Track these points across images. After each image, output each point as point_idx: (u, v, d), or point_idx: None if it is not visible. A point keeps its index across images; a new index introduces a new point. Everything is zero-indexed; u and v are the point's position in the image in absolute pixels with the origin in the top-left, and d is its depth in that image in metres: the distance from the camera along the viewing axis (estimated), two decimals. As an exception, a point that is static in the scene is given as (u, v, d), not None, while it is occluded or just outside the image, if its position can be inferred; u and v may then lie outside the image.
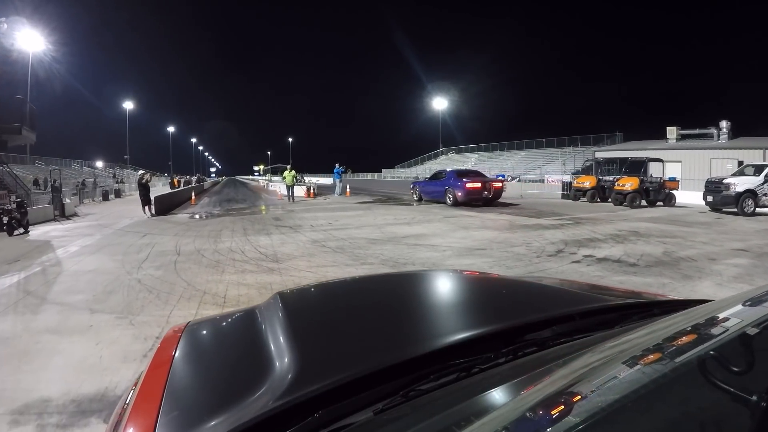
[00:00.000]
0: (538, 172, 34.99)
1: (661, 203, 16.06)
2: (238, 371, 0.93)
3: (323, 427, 0.66)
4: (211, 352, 1.16)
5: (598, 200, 17.57)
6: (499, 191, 15.71)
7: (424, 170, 45.72)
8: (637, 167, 16.74)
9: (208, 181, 65.61)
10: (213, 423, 0.70)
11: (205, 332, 1.26)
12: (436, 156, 56.06)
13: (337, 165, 23.56)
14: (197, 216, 14.20)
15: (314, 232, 9.52)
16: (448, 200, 15.32)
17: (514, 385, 0.68)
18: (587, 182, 18.30)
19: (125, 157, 61.58)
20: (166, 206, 15.91)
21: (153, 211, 13.86)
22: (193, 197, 20.96)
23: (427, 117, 61.16)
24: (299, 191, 22.59)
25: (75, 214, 15.64)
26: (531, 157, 41.66)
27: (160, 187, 36.03)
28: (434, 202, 16.38)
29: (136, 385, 0.93)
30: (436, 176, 17.78)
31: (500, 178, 33.12)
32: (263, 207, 17.18)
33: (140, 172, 15.77)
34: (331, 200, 19.58)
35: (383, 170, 60.46)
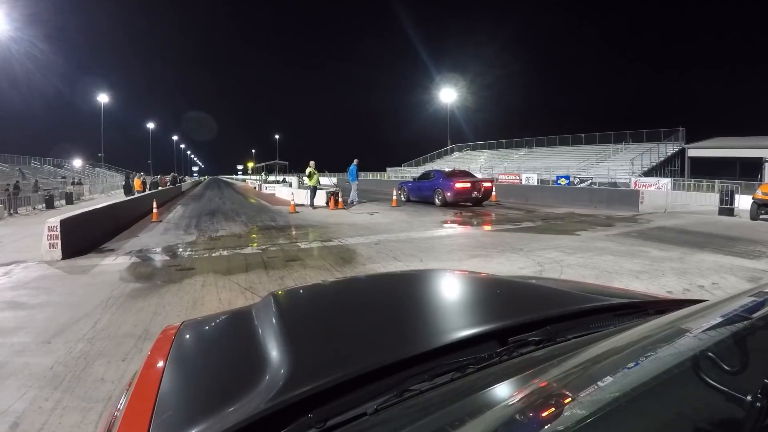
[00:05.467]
0: (592, 172, 28.44)
1: None
2: (232, 371, 0.91)
3: (317, 427, 0.65)
4: (205, 352, 1.13)
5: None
6: (488, 191, 15.30)
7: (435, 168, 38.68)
8: None
9: (189, 181, 57.51)
10: (207, 423, 0.68)
11: (198, 332, 1.23)
12: (446, 153, 49.22)
13: (355, 162, 16.48)
14: (142, 269, 6.54)
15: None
16: (436, 201, 14.98)
17: (508, 385, 0.67)
18: (788, 194, 11.42)
19: (99, 155, 56.11)
20: (90, 237, 8.25)
21: None
22: (155, 209, 13.11)
23: (432, 111, 53.82)
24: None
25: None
26: (573, 154, 35.03)
27: (107, 196, 27.68)
28: (422, 202, 15.67)
29: (130, 385, 0.93)
30: (425, 176, 16.72)
31: (563, 179, 26.65)
32: (277, 234, 9.57)
33: None
34: (380, 215, 12.03)
35: (388, 169, 53.18)
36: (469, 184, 14.69)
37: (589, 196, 15.56)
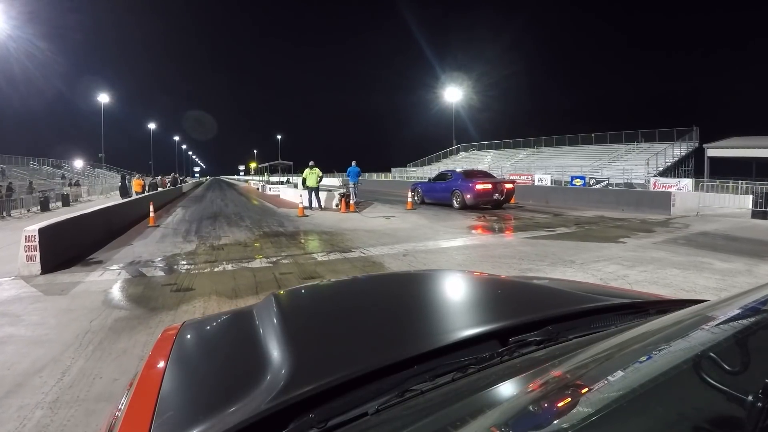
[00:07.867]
0: (606, 173, 27.43)
1: None
2: (233, 372, 0.90)
3: (318, 427, 0.64)
4: (206, 352, 1.12)
5: None
6: (510, 193, 14.36)
7: (442, 169, 37.71)
8: None
9: (190, 182, 56.57)
10: (208, 423, 0.67)
11: (200, 333, 1.22)
12: (452, 153, 48.14)
13: (353, 163, 16.79)
14: (132, 289, 5.58)
15: None
16: (454, 203, 13.98)
17: (509, 385, 0.67)
18: None
19: (100, 155, 55.66)
20: (77, 245, 7.31)
21: None
22: (152, 213, 12.16)
23: (437, 110, 52.64)
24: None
25: None
26: (583, 154, 34.05)
27: (105, 198, 26.69)
28: (438, 205, 14.67)
29: (131, 385, 0.92)
30: (441, 177, 15.66)
31: (578, 179, 25.62)
32: (287, 243, 8.60)
33: None
34: (397, 219, 11.06)
35: (393, 169, 52.15)
36: (490, 186, 13.69)
37: (616, 198, 14.58)
